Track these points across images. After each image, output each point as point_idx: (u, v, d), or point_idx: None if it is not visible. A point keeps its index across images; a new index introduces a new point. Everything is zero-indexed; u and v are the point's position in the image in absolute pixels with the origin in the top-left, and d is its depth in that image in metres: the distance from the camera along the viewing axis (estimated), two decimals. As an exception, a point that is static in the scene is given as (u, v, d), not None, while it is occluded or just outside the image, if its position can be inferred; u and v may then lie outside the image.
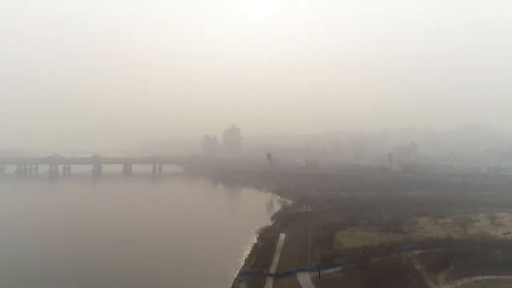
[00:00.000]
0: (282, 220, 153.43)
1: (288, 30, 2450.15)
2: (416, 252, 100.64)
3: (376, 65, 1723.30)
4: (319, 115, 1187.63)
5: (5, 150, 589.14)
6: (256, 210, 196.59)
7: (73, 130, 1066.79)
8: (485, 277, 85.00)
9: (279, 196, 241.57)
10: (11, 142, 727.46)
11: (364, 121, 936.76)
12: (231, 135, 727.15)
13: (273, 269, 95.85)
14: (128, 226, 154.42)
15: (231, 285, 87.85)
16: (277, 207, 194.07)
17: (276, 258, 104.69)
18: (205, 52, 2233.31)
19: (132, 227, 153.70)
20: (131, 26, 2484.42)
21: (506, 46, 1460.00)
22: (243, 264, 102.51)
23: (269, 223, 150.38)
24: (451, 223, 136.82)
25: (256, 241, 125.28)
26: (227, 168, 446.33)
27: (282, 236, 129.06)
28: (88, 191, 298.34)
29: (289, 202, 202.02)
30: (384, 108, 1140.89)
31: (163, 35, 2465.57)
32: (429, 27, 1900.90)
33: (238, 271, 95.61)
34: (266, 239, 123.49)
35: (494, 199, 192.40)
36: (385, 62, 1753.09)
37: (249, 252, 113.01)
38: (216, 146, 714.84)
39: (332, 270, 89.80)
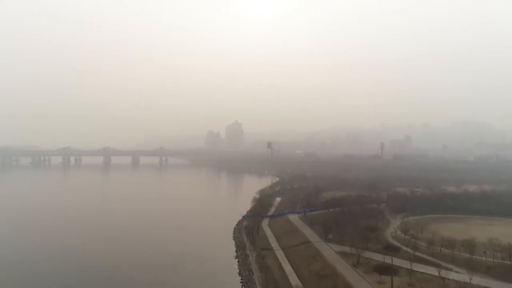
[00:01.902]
0: (279, 190, 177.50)
1: (289, 31, 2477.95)
2: (384, 204, 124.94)
3: (377, 66, 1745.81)
4: (320, 114, 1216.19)
5: (16, 146, 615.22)
6: (257, 186, 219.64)
7: (77, 129, 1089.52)
8: (434, 215, 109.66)
9: (278, 178, 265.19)
10: (19, 140, 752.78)
11: (363, 119, 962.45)
12: (233, 130, 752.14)
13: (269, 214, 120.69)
14: (159, 199, 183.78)
15: (235, 223, 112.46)
16: (275, 183, 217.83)
17: (272, 209, 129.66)
18: (208, 52, 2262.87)
19: (161, 199, 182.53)
20: (132, 26, 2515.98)
21: (504, 47, 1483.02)
22: (245, 213, 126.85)
23: (268, 192, 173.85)
24: (421, 190, 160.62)
25: (256, 202, 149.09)
26: (230, 159, 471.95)
27: (278, 199, 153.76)
28: (108, 178, 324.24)
29: (286, 179, 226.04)
30: (384, 107, 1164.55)
31: (167, 35, 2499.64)
32: (429, 30, 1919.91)
33: (242, 216, 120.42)
34: (265, 199, 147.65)
35: (470, 178, 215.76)
36: (386, 62, 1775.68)
37: (250, 208, 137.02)
38: (219, 141, 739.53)
39: (315, 212, 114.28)
